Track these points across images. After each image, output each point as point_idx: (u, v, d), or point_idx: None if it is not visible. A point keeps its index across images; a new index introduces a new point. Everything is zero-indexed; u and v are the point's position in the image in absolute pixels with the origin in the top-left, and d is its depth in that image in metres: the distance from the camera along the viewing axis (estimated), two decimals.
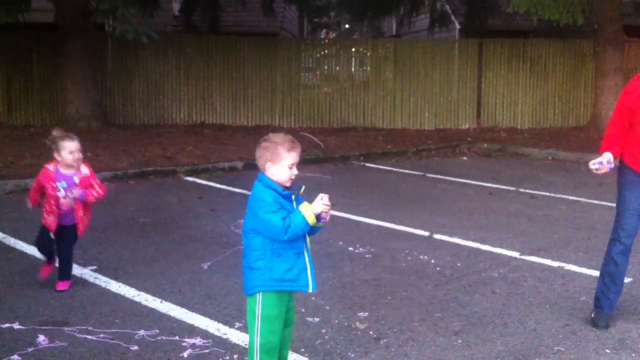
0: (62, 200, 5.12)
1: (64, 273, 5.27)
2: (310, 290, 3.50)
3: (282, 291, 3.47)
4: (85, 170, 5.18)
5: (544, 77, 16.68)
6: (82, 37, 13.94)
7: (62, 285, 5.23)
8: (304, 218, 3.32)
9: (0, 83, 15.07)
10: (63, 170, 5.09)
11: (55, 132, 5.11)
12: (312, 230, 3.43)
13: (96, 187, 5.21)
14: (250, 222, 3.42)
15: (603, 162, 4.49)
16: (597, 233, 7.13)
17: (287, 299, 3.54)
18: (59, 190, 5.10)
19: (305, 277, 3.48)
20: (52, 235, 5.21)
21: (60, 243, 5.28)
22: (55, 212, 5.12)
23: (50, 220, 5.15)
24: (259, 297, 3.42)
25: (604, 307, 4.66)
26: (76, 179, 5.10)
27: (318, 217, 3.37)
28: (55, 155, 5.04)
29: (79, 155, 5.08)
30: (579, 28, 15.78)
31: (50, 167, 5.10)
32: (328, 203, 3.36)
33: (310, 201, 3.40)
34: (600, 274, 4.78)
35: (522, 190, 9.65)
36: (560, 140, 14.33)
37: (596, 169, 4.52)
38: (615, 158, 4.56)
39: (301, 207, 3.37)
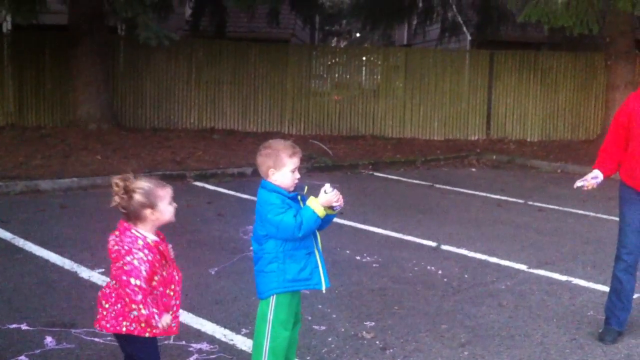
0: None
1: None
2: (324, 287, 3.55)
3: (296, 291, 3.53)
4: None
5: (555, 90, 16.64)
6: (94, 40, 14.00)
7: None
8: (313, 212, 3.37)
9: (12, 84, 15.13)
10: (152, 236, 3.15)
11: (132, 180, 3.13)
12: (326, 219, 3.47)
13: None
14: (261, 228, 3.46)
15: (587, 178, 4.61)
16: (605, 247, 7.10)
17: (296, 303, 3.58)
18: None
19: (318, 275, 3.53)
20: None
21: None
22: (175, 303, 3.23)
23: (171, 322, 3.16)
24: (273, 300, 3.47)
25: (612, 324, 4.66)
26: (171, 251, 3.30)
27: (331, 207, 3.42)
28: (147, 212, 3.10)
29: None
30: (590, 41, 15.75)
31: (148, 236, 3.11)
32: (332, 191, 3.39)
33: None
34: (609, 291, 4.79)
35: (530, 202, 9.63)
36: (570, 153, 14.30)
37: (581, 186, 4.62)
38: (605, 176, 4.66)
39: (308, 202, 3.42)
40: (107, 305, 3.10)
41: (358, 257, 6.49)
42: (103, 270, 5.74)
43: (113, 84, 15.32)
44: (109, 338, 4.34)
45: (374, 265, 6.26)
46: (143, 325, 3.06)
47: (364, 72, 17.73)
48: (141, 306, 2.98)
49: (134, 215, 3.11)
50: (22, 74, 15.10)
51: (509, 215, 8.74)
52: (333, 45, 36.07)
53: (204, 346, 4.29)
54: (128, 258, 3.00)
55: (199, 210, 8.34)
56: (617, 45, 14.82)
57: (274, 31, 20.76)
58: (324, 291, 3.59)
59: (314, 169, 11.50)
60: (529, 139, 16.55)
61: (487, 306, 5.25)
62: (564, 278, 6.00)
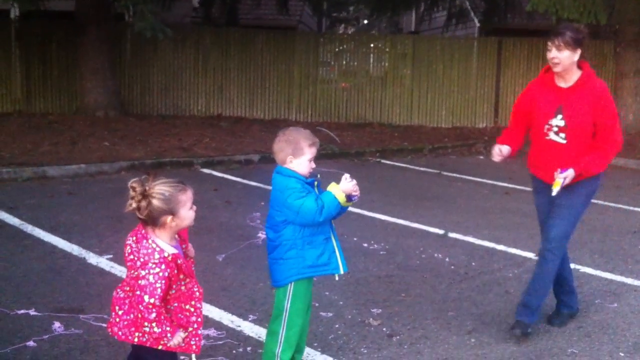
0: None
1: None
2: (342, 271, 3.55)
3: (313, 277, 3.53)
4: None
5: None
6: (101, 27, 13.99)
7: None
8: (334, 197, 3.38)
9: (20, 71, 15.15)
10: (170, 242, 2.97)
11: (150, 184, 2.87)
12: (341, 210, 3.48)
13: None
14: (279, 214, 3.45)
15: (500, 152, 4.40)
16: (612, 235, 7.10)
17: (310, 290, 3.59)
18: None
19: (336, 260, 3.54)
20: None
21: None
22: (196, 320, 3.05)
23: (184, 339, 3.00)
24: (290, 289, 3.47)
25: (560, 308, 4.72)
26: (192, 249, 3.23)
27: (348, 196, 3.43)
28: (167, 220, 2.88)
29: None
30: (599, 29, 15.64)
31: (166, 248, 2.89)
32: (351, 180, 3.42)
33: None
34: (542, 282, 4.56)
35: None
36: None
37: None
38: (513, 151, 4.48)
39: (329, 187, 3.42)
40: (120, 312, 2.95)
41: (365, 245, 6.49)
42: (111, 256, 5.76)
43: (120, 71, 15.33)
44: None
45: (381, 252, 6.26)
46: (153, 338, 2.92)
47: (371, 59, 17.68)
48: (154, 324, 2.85)
49: (151, 222, 2.89)
50: (30, 61, 15.11)
51: (516, 203, 8.72)
52: (340, 32, 35.92)
53: (212, 332, 4.30)
54: (143, 272, 2.82)
55: (205, 197, 8.34)
56: (626, 33, 14.73)
57: (281, 18, 20.72)
58: (338, 277, 3.59)
59: (321, 157, 11.46)
60: None
61: (494, 294, 5.25)
62: (571, 266, 5.96)
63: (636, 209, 8.52)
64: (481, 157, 13.02)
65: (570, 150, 4.30)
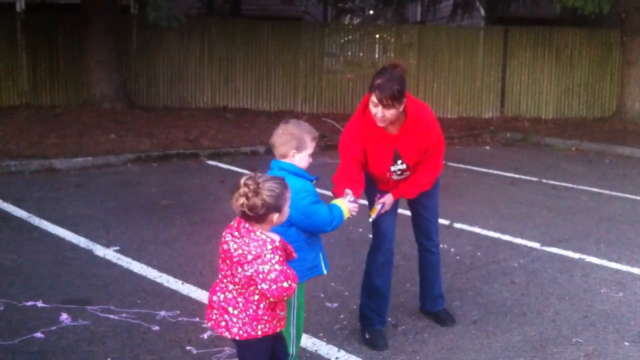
0: None
1: None
2: (325, 272, 3.57)
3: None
4: None
5: (570, 67, 16.49)
6: (106, 19, 14.00)
7: None
8: (343, 214, 3.43)
9: (26, 63, 15.17)
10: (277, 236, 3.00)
11: (262, 181, 2.89)
12: None
13: None
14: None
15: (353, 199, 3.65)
16: (618, 225, 7.09)
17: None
18: None
19: (320, 261, 3.55)
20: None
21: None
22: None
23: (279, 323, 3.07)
24: None
25: (374, 324, 4.20)
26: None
27: None
28: (274, 217, 2.92)
29: None
30: (605, 17, 15.59)
31: (274, 237, 2.95)
32: (354, 200, 3.49)
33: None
34: (368, 293, 4.28)
35: (544, 180, 9.59)
36: (585, 131, 14.19)
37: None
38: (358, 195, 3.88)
39: (339, 202, 3.46)
40: (235, 312, 2.93)
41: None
42: (118, 248, 5.79)
43: (126, 63, 15.34)
44: (123, 315, 4.40)
45: None
46: (275, 322, 2.98)
47: (377, 50, 17.63)
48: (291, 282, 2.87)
49: (256, 217, 2.88)
50: (36, 53, 15.13)
51: (522, 193, 8.71)
52: (346, 22, 35.79)
53: None
54: (265, 267, 2.82)
55: (212, 189, 8.36)
56: (633, 22, 14.66)
57: (286, 9, 20.68)
58: (329, 279, 3.61)
59: (327, 148, 11.48)
60: (543, 117, 16.44)
61: (500, 284, 5.26)
62: (576, 256, 5.98)
63: None
64: (487, 148, 13.01)
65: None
